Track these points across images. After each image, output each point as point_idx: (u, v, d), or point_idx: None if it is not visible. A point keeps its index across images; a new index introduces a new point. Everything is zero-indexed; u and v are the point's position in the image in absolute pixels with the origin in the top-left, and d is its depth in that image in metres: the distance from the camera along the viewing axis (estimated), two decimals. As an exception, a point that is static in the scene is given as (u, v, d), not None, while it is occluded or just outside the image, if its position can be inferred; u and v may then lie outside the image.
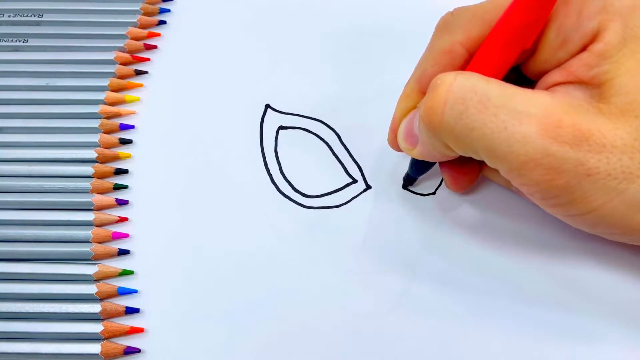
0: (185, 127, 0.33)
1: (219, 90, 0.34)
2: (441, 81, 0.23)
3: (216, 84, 0.34)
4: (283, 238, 0.29)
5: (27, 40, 0.35)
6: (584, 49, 0.24)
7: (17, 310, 0.27)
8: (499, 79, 0.23)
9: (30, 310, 0.27)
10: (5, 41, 0.35)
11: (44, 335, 0.27)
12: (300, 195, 0.31)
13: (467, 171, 0.29)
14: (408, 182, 0.30)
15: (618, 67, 0.23)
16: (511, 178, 0.23)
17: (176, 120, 0.33)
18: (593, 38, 0.23)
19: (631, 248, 0.28)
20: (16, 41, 0.35)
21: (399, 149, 0.28)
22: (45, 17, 0.36)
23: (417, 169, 0.29)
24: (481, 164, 0.29)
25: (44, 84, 0.33)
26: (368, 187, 0.31)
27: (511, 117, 0.22)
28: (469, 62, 0.25)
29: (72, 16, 0.36)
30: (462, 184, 0.29)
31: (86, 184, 0.30)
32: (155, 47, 0.35)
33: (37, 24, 0.36)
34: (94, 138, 0.32)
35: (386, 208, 0.30)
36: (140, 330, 0.27)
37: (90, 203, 0.30)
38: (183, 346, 0.27)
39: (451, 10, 0.26)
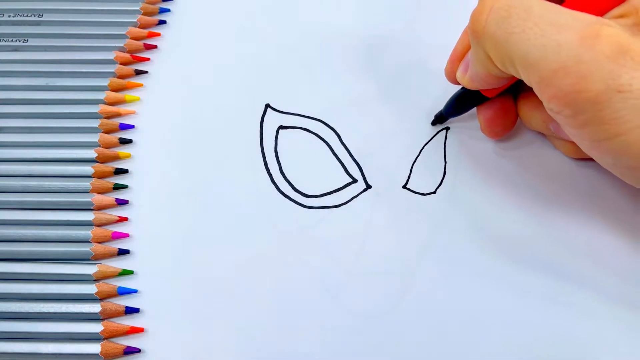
0: (185, 127, 0.33)
1: (219, 90, 0.34)
2: None
3: (216, 83, 0.34)
4: (283, 237, 0.29)
5: (27, 40, 0.35)
6: None
7: (17, 310, 0.27)
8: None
9: (30, 310, 0.27)
10: (5, 41, 0.35)
11: (44, 335, 0.27)
12: (300, 195, 0.31)
13: (503, 115, 0.29)
14: (438, 120, 0.31)
15: None
16: (541, 91, 0.23)
17: (176, 120, 0.33)
18: None
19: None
20: (16, 41, 0.35)
21: (453, 80, 0.29)
22: (45, 17, 0.36)
23: (454, 108, 0.30)
24: (517, 104, 0.29)
25: (44, 84, 0.33)
26: (368, 186, 0.31)
27: (551, 26, 0.22)
28: None
29: (72, 16, 0.36)
30: (498, 129, 0.29)
31: (86, 183, 0.30)
32: (155, 47, 0.35)
33: (37, 24, 0.36)
34: (94, 138, 0.32)
35: (386, 208, 0.30)
36: (140, 330, 0.27)
37: (90, 203, 0.30)
38: (183, 346, 0.27)
39: None
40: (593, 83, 0.21)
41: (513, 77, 0.25)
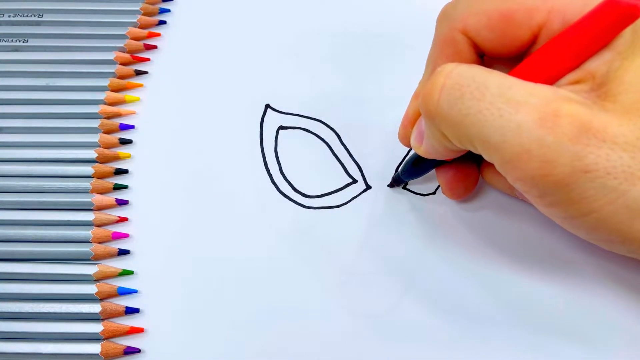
0: (185, 127, 0.33)
1: (219, 90, 0.34)
2: (441, 69, 0.22)
3: (216, 84, 0.34)
4: (283, 238, 0.29)
5: (27, 40, 0.35)
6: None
7: (17, 310, 0.27)
8: (551, 84, 0.23)
9: (30, 310, 0.27)
10: (5, 41, 0.35)
11: (44, 335, 0.27)
12: (300, 195, 0.31)
13: (464, 177, 0.28)
14: (396, 182, 0.30)
15: (629, 64, 0.22)
16: (505, 172, 0.22)
17: (176, 120, 0.33)
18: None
19: (632, 263, 0.28)
20: (16, 41, 0.35)
21: (408, 145, 0.28)
22: (45, 17, 0.36)
23: (411, 172, 0.29)
24: (480, 168, 0.29)
25: (44, 84, 0.33)
26: (368, 187, 0.31)
27: (508, 105, 0.21)
28: (475, 48, 0.25)
29: (72, 16, 0.36)
30: (459, 191, 0.28)
31: (86, 184, 0.30)
32: (155, 47, 0.35)
33: (37, 24, 0.36)
34: (94, 138, 0.32)
35: (386, 208, 0.30)
36: (140, 330, 0.27)
37: (90, 203, 0.30)
38: (183, 346, 0.27)
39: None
40: (558, 167, 0.21)
41: None
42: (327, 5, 0.37)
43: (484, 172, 0.29)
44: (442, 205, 0.30)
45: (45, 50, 0.35)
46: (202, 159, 0.32)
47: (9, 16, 0.36)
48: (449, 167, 0.28)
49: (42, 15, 0.36)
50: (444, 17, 0.26)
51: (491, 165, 0.25)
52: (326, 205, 0.30)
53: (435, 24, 0.26)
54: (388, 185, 0.31)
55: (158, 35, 0.36)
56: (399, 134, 0.28)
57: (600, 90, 0.22)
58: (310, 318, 0.28)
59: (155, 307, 0.28)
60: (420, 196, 0.30)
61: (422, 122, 0.25)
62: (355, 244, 0.29)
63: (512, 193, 0.29)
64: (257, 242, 0.29)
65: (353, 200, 0.30)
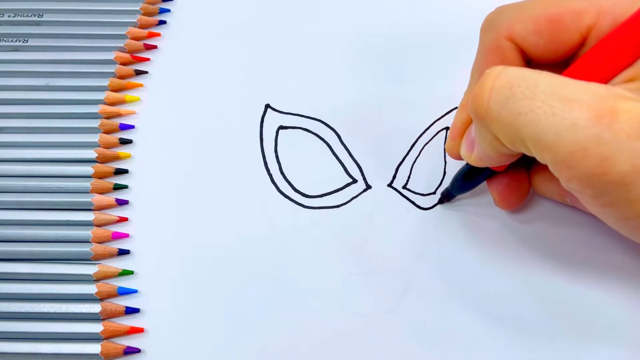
0: (185, 127, 0.33)
1: (219, 90, 0.34)
2: (490, 71, 0.22)
3: (216, 83, 0.34)
4: (283, 238, 0.29)
5: (27, 40, 0.35)
6: None
7: (17, 310, 0.27)
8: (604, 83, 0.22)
9: (30, 310, 0.27)
10: (5, 41, 0.35)
11: (44, 335, 0.27)
12: (300, 195, 0.31)
13: (516, 187, 0.28)
14: (446, 197, 0.30)
15: None
16: (559, 172, 0.21)
17: (176, 120, 0.33)
18: None
19: None
20: (16, 41, 0.35)
21: (457, 157, 0.27)
22: (45, 17, 0.36)
23: (461, 186, 0.28)
24: (530, 176, 0.28)
25: (44, 84, 0.33)
26: (368, 187, 0.31)
27: (561, 103, 0.20)
28: (522, 55, 0.25)
29: (72, 16, 0.36)
30: (512, 202, 0.28)
31: (86, 184, 0.30)
32: (155, 47, 0.35)
33: (37, 24, 0.36)
34: (94, 138, 0.32)
35: (386, 208, 0.30)
36: (140, 330, 0.27)
37: (90, 203, 0.30)
38: (183, 346, 0.27)
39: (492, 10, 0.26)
40: (617, 165, 0.20)
41: None
42: (327, 5, 0.37)
43: (533, 180, 0.28)
44: (443, 205, 0.30)
45: (45, 50, 0.35)
46: (202, 159, 0.32)
47: (9, 16, 0.36)
48: (501, 178, 0.27)
49: (42, 15, 0.36)
50: (489, 25, 0.25)
51: (540, 172, 0.25)
52: (326, 205, 0.30)
53: (479, 32, 0.26)
54: (437, 203, 0.30)
55: (158, 35, 0.36)
56: (447, 147, 0.28)
57: None
58: (310, 318, 0.28)
59: (155, 307, 0.28)
60: (420, 196, 0.30)
61: (472, 131, 0.25)
62: (355, 244, 0.29)
63: (562, 199, 0.28)
64: (257, 242, 0.29)
65: (353, 200, 0.30)
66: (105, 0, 0.36)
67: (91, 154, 0.31)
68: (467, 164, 0.27)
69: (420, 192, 0.30)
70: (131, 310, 0.28)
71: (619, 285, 0.28)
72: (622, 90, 0.21)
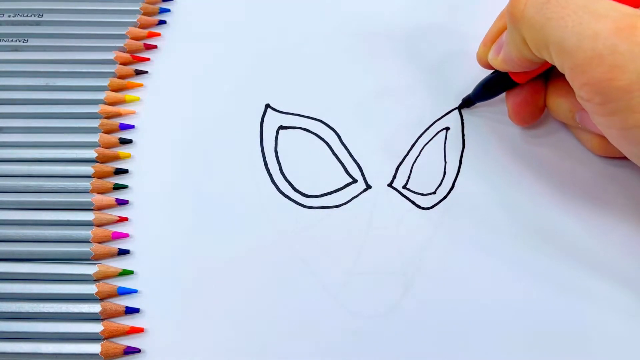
0: (185, 127, 0.33)
1: (219, 90, 0.34)
2: None
3: (216, 83, 0.34)
4: (283, 237, 0.29)
5: (27, 40, 0.35)
6: None
7: (17, 310, 0.27)
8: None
9: (30, 310, 0.27)
10: (5, 41, 0.35)
11: (44, 335, 0.27)
12: (300, 195, 0.31)
13: (531, 102, 0.29)
14: (466, 103, 0.32)
15: None
16: (574, 77, 0.24)
17: (176, 120, 0.33)
18: None
19: None
20: (16, 41, 0.35)
21: (484, 63, 0.30)
22: (45, 17, 0.36)
23: (483, 93, 0.31)
24: (546, 92, 0.30)
25: (44, 84, 0.33)
26: (368, 186, 0.31)
27: (589, 15, 0.23)
28: None
29: (72, 16, 0.36)
30: (525, 116, 0.30)
31: (86, 183, 0.30)
32: (155, 47, 0.35)
33: (37, 24, 0.36)
34: (94, 138, 0.32)
35: (386, 208, 0.30)
36: (140, 330, 0.27)
37: (90, 203, 0.30)
38: (183, 346, 0.27)
39: None
40: (626, 72, 0.22)
41: (545, 62, 0.26)
42: (326, 5, 0.36)
43: (548, 98, 0.30)
44: (443, 204, 0.30)
45: (45, 50, 0.35)
46: (202, 159, 0.32)
47: (9, 16, 0.36)
48: (518, 91, 0.29)
49: (42, 15, 0.36)
50: None
51: (557, 88, 0.28)
52: (326, 205, 0.30)
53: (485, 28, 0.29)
54: (458, 107, 0.32)
55: (158, 35, 0.36)
56: (477, 52, 0.30)
57: None
58: (310, 318, 0.28)
59: (155, 307, 0.28)
60: (420, 196, 0.30)
61: (502, 37, 0.28)
62: (355, 244, 0.29)
63: (572, 119, 0.29)
64: (257, 242, 0.29)
65: (353, 200, 0.30)
66: (105, 0, 0.36)
67: (91, 153, 0.31)
68: (491, 72, 0.30)
69: (420, 192, 0.30)
70: (131, 310, 0.28)
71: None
72: None
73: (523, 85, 0.29)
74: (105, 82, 0.34)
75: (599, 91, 0.23)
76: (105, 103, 0.33)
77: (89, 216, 0.30)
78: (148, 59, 0.35)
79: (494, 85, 0.30)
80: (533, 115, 0.30)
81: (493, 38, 0.29)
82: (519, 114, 0.30)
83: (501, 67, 0.28)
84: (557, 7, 0.24)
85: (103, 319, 0.27)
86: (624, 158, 0.26)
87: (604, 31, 0.22)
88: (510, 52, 0.27)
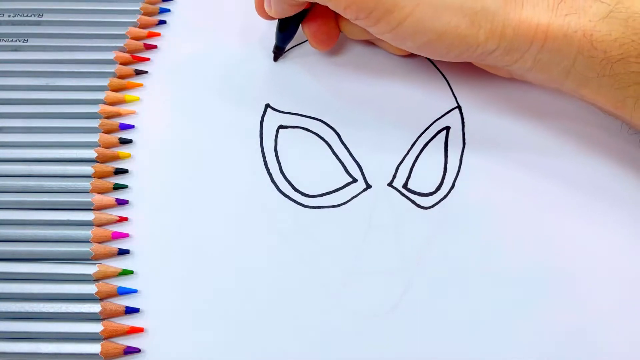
0: (185, 126, 0.33)
1: (219, 89, 0.34)
2: None
3: (216, 83, 0.34)
4: (283, 237, 0.29)
5: (27, 40, 0.35)
6: None
7: (17, 310, 0.27)
8: None
9: (30, 310, 0.27)
10: (5, 41, 0.35)
11: (44, 335, 0.27)
12: (300, 195, 0.30)
13: (326, 28, 0.32)
14: (277, 52, 0.34)
15: None
16: (335, 7, 0.27)
17: (176, 120, 0.33)
18: None
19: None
20: (16, 41, 0.35)
21: (265, 15, 0.32)
22: (45, 17, 0.36)
23: (281, 36, 0.33)
24: (338, 19, 0.32)
25: (44, 84, 0.33)
26: (368, 186, 0.31)
27: None
28: None
29: (72, 16, 0.36)
30: (324, 40, 0.32)
31: (86, 183, 0.30)
32: (155, 47, 0.35)
33: (37, 24, 0.36)
34: (94, 138, 0.32)
35: (386, 207, 0.30)
36: (140, 330, 0.27)
37: (90, 203, 0.30)
38: (183, 346, 0.27)
39: None
40: None
41: None
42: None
43: (340, 24, 0.32)
44: (442, 204, 0.30)
45: (45, 50, 0.35)
46: (202, 159, 0.32)
47: (9, 16, 0.36)
48: (312, 21, 0.32)
49: (42, 15, 0.36)
50: None
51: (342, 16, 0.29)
52: (326, 205, 0.30)
53: None
54: (274, 60, 0.34)
55: (158, 35, 0.36)
56: (255, 6, 0.32)
57: None
58: (310, 318, 0.28)
59: (155, 307, 0.28)
60: (420, 195, 0.30)
61: None
62: (355, 243, 0.29)
63: (368, 37, 0.32)
64: (257, 242, 0.29)
65: (353, 200, 0.30)
66: (105, 0, 0.36)
67: (91, 153, 0.31)
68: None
69: (420, 192, 0.30)
70: (131, 310, 0.28)
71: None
72: None
73: (316, 14, 0.32)
74: (105, 82, 0.34)
75: (359, 9, 0.27)
76: (105, 103, 0.33)
77: (89, 216, 0.30)
78: (148, 59, 0.35)
79: (287, 25, 0.33)
80: (331, 38, 0.33)
81: None
82: (318, 39, 0.32)
83: (278, 15, 0.31)
84: None
85: (103, 319, 0.27)
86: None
87: None
88: (278, 3, 0.30)
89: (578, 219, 0.30)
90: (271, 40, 0.35)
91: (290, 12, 0.31)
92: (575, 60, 0.27)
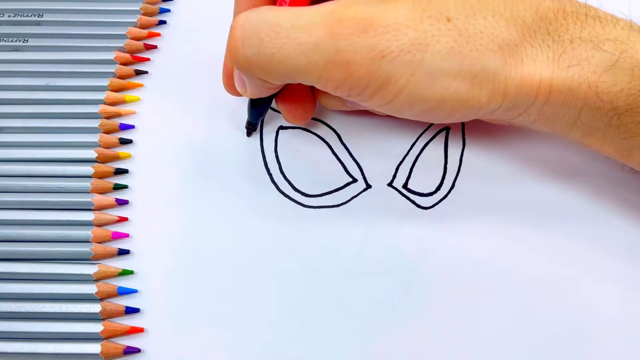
0: (185, 127, 0.33)
1: (219, 89, 0.34)
2: (235, 23, 0.24)
3: (216, 83, 0.34)
4: (283, 237, 0.29)
5: (27, 40, 0.35)
6: None
7: (17, 310, 0.27)
8: (307, 3, 0.25)
9: (30, 310, 0.27)
10: (5, 41, 0.35)
11: (44, 335, 0.27)
12: (300, 195, 0.31)
13: (301, 102, 0.30)
14: (250, 128, 0.32)
15: None
16: (325, 87, 0.25)
17: (176, 120, 0.33)
18: None
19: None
20: (16, 41, 0.35)
21: (235, 93, 0.29)
22: (45, 17, 0.36)
23: (254, 113, 0.31)
24: (314, 93, 0.30)
25: (44, 84, 0.33)
26: (368, 186, 0.31)
27: (301, 32, 0.23)
28: None
29: (72, 16, 0.36)
30: (299, 114, 0.30)
31: (86, 183, 0.30)
32: (155, 47, 0.35)
33: (37, 24, 0.36)
34: (94, 138, 0.32)
35: (386, 207, 0.30)
36: (140, 330, 0.27)
37: (90, 203, 0.30)
38: (183, 346, 0.27)
39: None
40: (359, 62, 0.23)
41: None
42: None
43: (317, 96, 0.30)
44: (443, 204, 0.30)
45: (45, 50, 0.35)
46: (202, 159, 0.32)
47: (9, 16, 0.36)
48: (286, 96, 0.30)
49: (42, 15, 0.36)
50: None
51: (320, 90, 0.27)
52: (326, 205, 0.30)
53: None
54: (247, 135, 0.32)
55: (158, 35, 0.36)
56: (224, 85, 0.30)
57: None
58: (310, 318, 0.28)
59: (155, 307, 0.28)
60: (420, 195, 0.30)
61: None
62: (355, 243, 0.29)
63: (345, 107, 0.30)
64: (257, 242, 0.29)
65: (353, 200, 0.30)
66: (105, 0, 0.36)
67: (91, 153, 0.31)
68: None
69: (420, 192, 0.30)
70: (131, 310, 0.28)
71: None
72: (346, 0, 0.24)
73: (289, 89, 0.30)
74: (105, 82, 0.34)
75: (350, 87, 0.24)
76: (105, 103, 0.33)
77: (89, 216, 0.30)
78: (148, 59, 0.35)
79: (260, 102, 0.30)
80: (307, 112, 0.31)
81: (231, 69, 0.29)
82: (293, 114, 0.30)
83: (254, 97, 0.29)
84: (271, 41, 0.24)
85: (103, 319, 0.27)
86: None
87: (320, 39, 0.23)
88: (254, 88, 0.27)
89: (579, 219, 0.30)
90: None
91: (267, 94, 0.28)
92: (581, 112, 0.25)
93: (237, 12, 0.28)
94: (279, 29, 0.24)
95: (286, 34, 0.23)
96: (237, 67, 0.25)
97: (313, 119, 0.32)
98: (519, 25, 0.25)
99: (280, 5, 0.26)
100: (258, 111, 0.31)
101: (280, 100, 0.30)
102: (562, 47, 0.25)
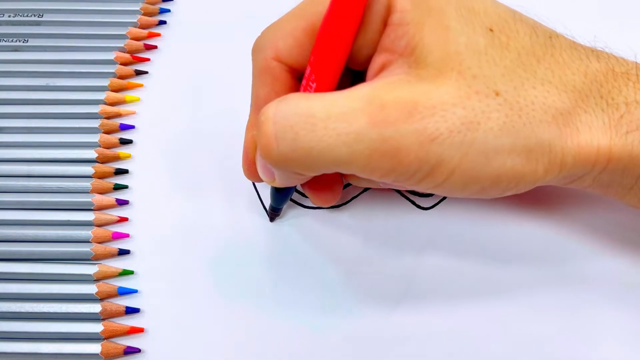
0: (185, 126, 0.33)
1: (219, 90, 0.34)
2: (264, 117, 0.22)
3: (216, 83, 0.34)
4: (283, 237, 0.29)
5: (27, 40, 0.35)
6: (386, 24, 0.23)
7: (17, 310, 0.27)
8: (334, 86, 0.23)
9: (30, 310, 0.27)
10: (5, 41, 0.35)
11: (44, 335, 0.27)
12: (300, 195, 0.31)
13: (329, 186, 0.28)
14: (274, 214, 0.30)
15: (420, 28, 0.22)
16: (370, 176, 0.23)
17: (176, 120, 0.33)
18: (388, 11, 0.23)
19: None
20: (16, 41, 0.35)
21: (258, 179, 0.27)
22: (45, 17, 0.36)
23: (279, 199, 0.29)
24: (344, 174, 0.28)
25: (44, 84, 0.33)
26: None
27: (340, 122, 0.21)
28: (292, 73, 0.25)
29: (72, 16, 0.36)
30: (327, 199, 0.28)
31: (86, 184, 0.30)
32: (155, 47, 0.35)
33: (37, 24, 0.36)
34: (94, 138, 0.32)
35: (386, 208, 0.30)
36: (140, 330, 0.27)
37: (91, 203, 0.30)
38: (183, 346, 0.27)
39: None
40: (408, 149, 0.21)
41: None
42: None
43: (346, 176, 0.28)
44: (443, 205, 0.30)
45: (45, 50, 0.35)
46: (202, 159, 0.32)
47: (9, 16, 0.36)
48: (313, 181, 0.27)
49: (42, 15, 0.36)
50: (256, 48, 0.26)
51: (352, 175, 0.25)
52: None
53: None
54: (270, 221, 0.30)
55: (158, 35, 0.36)
56: (244, 171, 0.28)
57: (411, 60, 0.22)
58: (310, 318, 0.28)
59: (155, 307, 0.28)
60: (419, 196, 0.30)
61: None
62: (356, 244, 0.29)
63: (378, 186, 0.28)
64: (257, 242, 0.29)
65: (353, 200, 0.30)
66: (105, 0, 0.36)
67: (91, 154, 0.31)
68: None
69: (420, 192, 0.31)
70: (131, 310, 0.28)
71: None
72: (384, 81, 0.22)
73: (316, 177, 0.26)
74: (105, 82, 0.34)
75: (397, 176, 0.22)
76: (105, 103, 0.33)
77: (89, 216, 0.30)
78: (148, 59, 0.35)
79: (285, 188, 0.28)
80: (335, 195, 0.28)
81: (253, 152, 0.26)
82: (321, 198, 0.28)
83: (283, 186, 0.26)
84: (308, 135, 0.21)
85: (103, 319, 0.27)
86: None
87: (362, 128, 0.21)
88: (287, 179, 0.25)
89: (579, 219, 0.30)
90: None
91: (299, 183, 0.26)
92: (639, 178, 0.24)
93: (256, 98, 0.26)
94: (314, 119, 0.21)
95: (323, 125, 0.21)
96: (270, 164, 0.23)
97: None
98: (570, 91, 0.23)
99: (306, 89, 0.24)
100: (282, 196, 0.29)
101: (308, 186, 0.28)
102: (618, 112, 0.23)
